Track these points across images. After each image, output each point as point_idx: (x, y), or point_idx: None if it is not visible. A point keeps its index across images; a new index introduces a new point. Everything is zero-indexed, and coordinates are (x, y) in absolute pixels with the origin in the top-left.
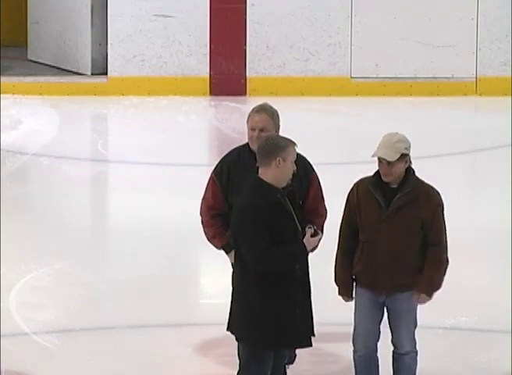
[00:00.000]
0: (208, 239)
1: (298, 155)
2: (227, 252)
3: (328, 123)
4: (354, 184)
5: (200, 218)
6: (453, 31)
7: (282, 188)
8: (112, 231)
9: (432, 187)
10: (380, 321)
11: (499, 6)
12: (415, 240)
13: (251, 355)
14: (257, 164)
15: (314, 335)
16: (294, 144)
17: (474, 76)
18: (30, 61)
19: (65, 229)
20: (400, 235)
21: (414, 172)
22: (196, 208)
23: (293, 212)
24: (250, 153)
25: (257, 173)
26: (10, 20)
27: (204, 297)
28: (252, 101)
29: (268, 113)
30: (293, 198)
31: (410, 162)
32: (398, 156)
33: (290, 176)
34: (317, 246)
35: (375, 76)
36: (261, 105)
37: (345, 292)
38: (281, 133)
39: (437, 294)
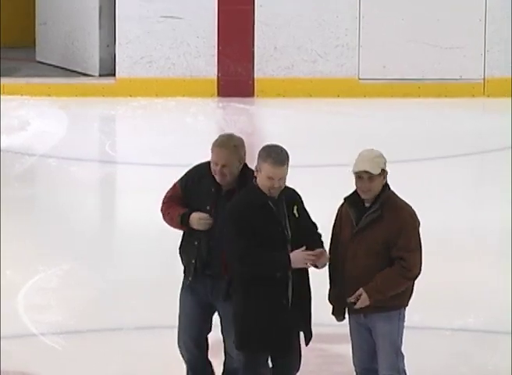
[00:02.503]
0: (169, 218)
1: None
2: (185, 222)
3: (336, 125)
4: (344, 199)
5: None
6: (461, 32)
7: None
8: (119, 232)
9: (405, 205)
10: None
11: (507, 7)
12: (377, 261)
13: (242, 359)
14: (213, 189)
15: (309, 341)
16: (277, 163)
17: (482, 77)
18: (38, 62)
19: (73, 230)
20: (362, 255)
21: (389, 188)
22: None
23: (285, 221)
24: (212, 178)
25: (213, 200)
26: (18, 21)
27: None
28: (260, 103)
29: (230, 150)
30: (290, 208)
31: (386, 179)
32: (379, 171)
33: (269, 190)
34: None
35: (382, 77)
36: (224, 139)
37: (336, 312)
38: (287, 135)
39: (443, 296)
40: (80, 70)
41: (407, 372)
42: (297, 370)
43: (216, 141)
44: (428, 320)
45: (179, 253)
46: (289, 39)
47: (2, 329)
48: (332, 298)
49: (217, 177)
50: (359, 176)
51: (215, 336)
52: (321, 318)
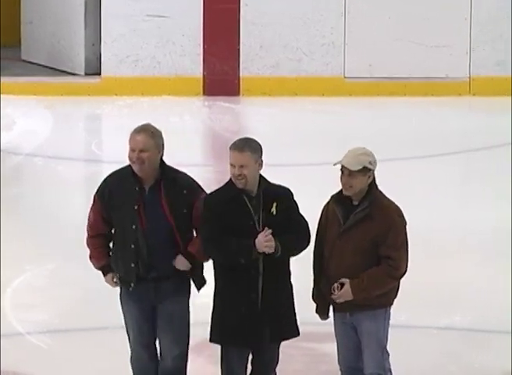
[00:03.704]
0: (91, 256)
1: (183, 175)
2: (104, 274)
3: (321, 123)
4: (330, 197)
5: None
6: (447, 31)
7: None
8: None
9: (391, 204)
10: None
11: (493, 6)
12: (364, 259)
13: (221, 351)
14: (136, 188)
15: (277, 339)
16: (235, 148)
17: (468, 76)
18: (24, 61)
19: (59, 229)
20: (349, 253)
21: (376, 187)
22: None
23: (259, 216)
24: (132, 177)
25: (138, 198)
26: (4, 20)
27: (195, 296)
28: (245, 102)
29: (148, 133)
30: (268, 205)
31: (374, 178)
32: (359, 167)
33: (238, 180)
34: (272, 250)
35: (368, 76)
36: (141, 126)
37: (320, 310)
38: (273, 134)
39: (430, 294)
40: (65, 69)
41: (394, 371)
42: (272, 369)
43: (135, 129)
44: (415, 319)
45: (113, 262)
46: (275, 37)
47: None
48: (316, 296)
49: (135, 167)
50: (341, 171)
51: (203, 335)
52: (307, 316)
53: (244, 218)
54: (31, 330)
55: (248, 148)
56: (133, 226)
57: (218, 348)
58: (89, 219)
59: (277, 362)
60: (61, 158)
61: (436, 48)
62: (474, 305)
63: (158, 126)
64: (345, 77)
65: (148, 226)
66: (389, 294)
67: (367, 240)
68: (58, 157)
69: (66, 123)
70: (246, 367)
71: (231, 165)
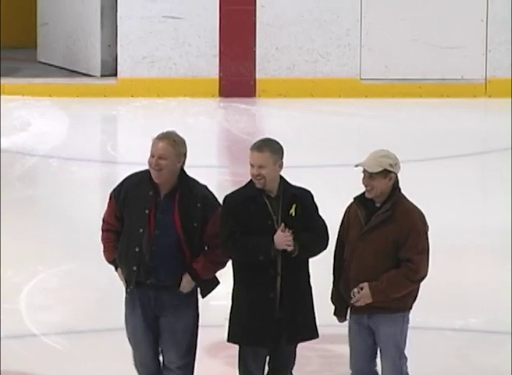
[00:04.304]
0: (103, 247)
1: (202, 188)
2: (115, 268)
3: (337, 125)
4: (353, 199)
5: None
6: (463, 32)
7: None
8: None
9: (415, 208)
10: (374, 342)
11: (509, 7)
12: (384, 262)
13: (239, 351)
14: (150, 193)
15: (295, 340)
16: (254, 148)
17: (484, 77)
18: (40, 62)
19: (74, 230)
20: (369, 255)
21: (400, 190)
22: None
23: (278, 217)
24: (148, 182)
25: (151, 203)
26: (19, 22)
27: (214, 298)
28: (261, 103)
29: (169, 141)
30: (287, 207)
31: (397, 181)
32: (379, 170)
33: (256, 180)
34: (291, 248)
35: (384, 77)
36: (165, 133)
37: (338, 313)
38: (289, 135)
39: (445, 296)
40: (81, 71)
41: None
42: (289, 371)
43: (158, 134)
44: (430, 320)
45: (117, 262)
46: (291, 39)
47: (3, 329)
48: (335, 298)
49: (152, 173)
50: (363, 172)
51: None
52: (324, 318)
53: (263, 218)
54: (46, 331)
55: (268, 148)
56: (141, 230)
57: (234, 349)
58: (104, 214)
59: (294, 364)
60: (76, 160)
61: (452, 50)
62: (488, 306)
63: (174, 128)
64: (361, 79)
65: (156, 233)
66: (408, 298)
67: (388, 242)
68: (73, 158)
69: (82, 125)
70: (263, 368)
71: (251, 165)
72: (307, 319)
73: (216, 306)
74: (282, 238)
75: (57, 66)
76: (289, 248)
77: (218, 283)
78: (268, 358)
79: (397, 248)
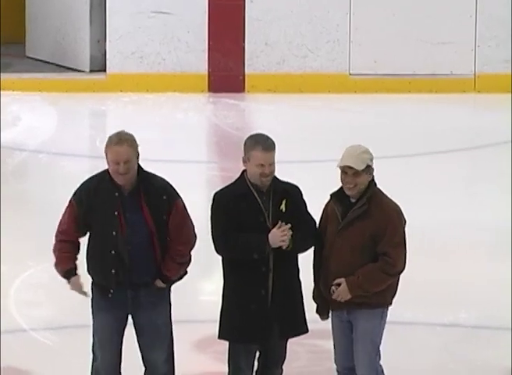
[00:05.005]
0: (56, 257)
1: (160, 180)
2: (69, 278)
3: (326, 120)
4: (330, 195)
5: None
6: (452, 28)
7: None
8: None
9: (390, 202)
10: None
11: (498, 3)
12: (362, 257)
13: (229, 347)
14: (116, 194)
15: (287, 336)
16: (265, 148)
17: (473, 73)
18: (29, 58)
19: None
20: (347, 251)
21: (375, 185)
22: (195, 205)
23: (268, 213)
24: (110, 183)
25: (117, 203)
26: (8, 17)
27: (202, 294)
28: (250, 98)
29: (128, 143)
30: (277, 202)
31: (372, 175)
32: (364, 166)
33: (261, 178)
34: (286, 244)
35: (373, 72)
36: (119, 136)
37: (320, 310)
38: (278, 130)
39: (438, 291)
40: (70, 66)
41: (399, 368)
42: (279, 366)
43: (111, 139)
44: (420, 316)
45: (89, 268)
46: (280, 34)
47: None
48: (316, 295)
49: (119, 178)
50: (344, 171)
51: (204, 331)
52: (312, 314)
53: (255, 215)
54: (36, 326)
55: (273, 145)
56: (114, 233)
57: (223, 345)
58: (60, 224)
59: (284, 359)
60: (66, 155)
61: (441, 45)
62: (478, 302)
63: (163, 124)
64: (350, 74)
65: (128, 232)
66: (387, 294)
67: (365, 237)
68: (62, 153)
69: (71, 120)
70: (253, 364)
71: (259, 164)
72: (298, 315)
73: (205, 302)
74: (278, 236)
75: (46, 62)
76: (285, 245)
77: (186, 273)
78: (258, 354)
79: (375, 243)
